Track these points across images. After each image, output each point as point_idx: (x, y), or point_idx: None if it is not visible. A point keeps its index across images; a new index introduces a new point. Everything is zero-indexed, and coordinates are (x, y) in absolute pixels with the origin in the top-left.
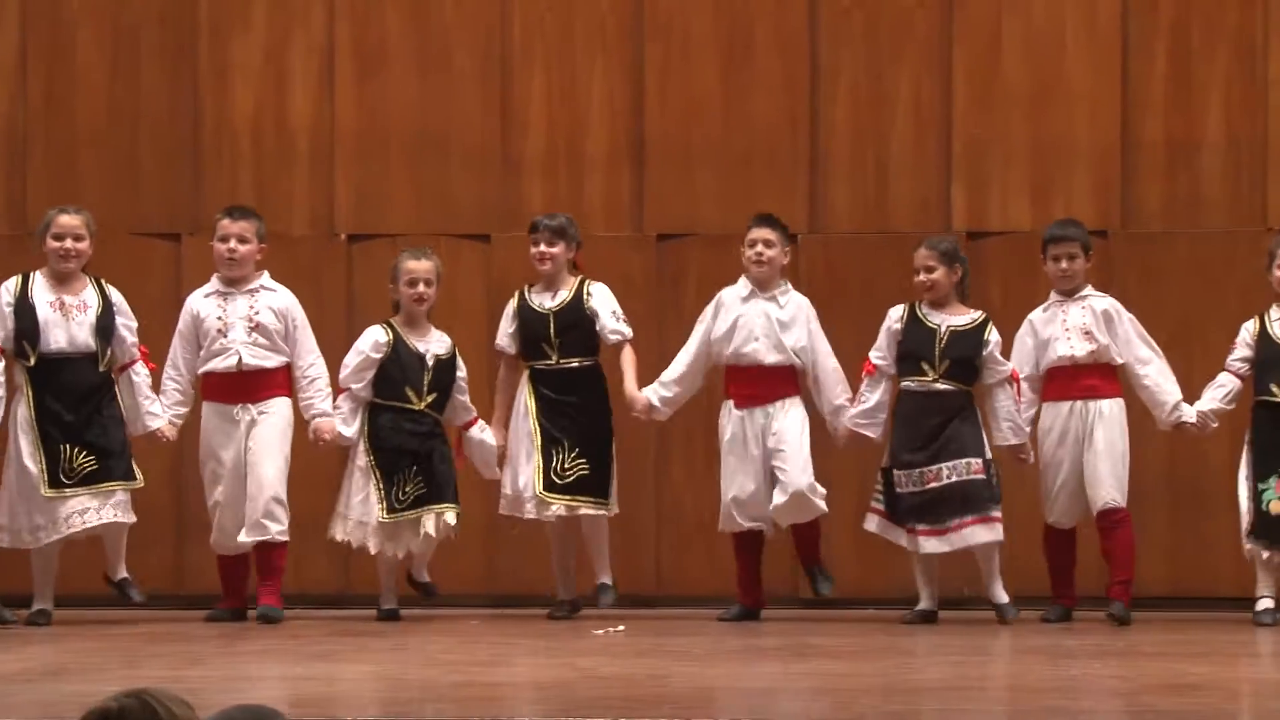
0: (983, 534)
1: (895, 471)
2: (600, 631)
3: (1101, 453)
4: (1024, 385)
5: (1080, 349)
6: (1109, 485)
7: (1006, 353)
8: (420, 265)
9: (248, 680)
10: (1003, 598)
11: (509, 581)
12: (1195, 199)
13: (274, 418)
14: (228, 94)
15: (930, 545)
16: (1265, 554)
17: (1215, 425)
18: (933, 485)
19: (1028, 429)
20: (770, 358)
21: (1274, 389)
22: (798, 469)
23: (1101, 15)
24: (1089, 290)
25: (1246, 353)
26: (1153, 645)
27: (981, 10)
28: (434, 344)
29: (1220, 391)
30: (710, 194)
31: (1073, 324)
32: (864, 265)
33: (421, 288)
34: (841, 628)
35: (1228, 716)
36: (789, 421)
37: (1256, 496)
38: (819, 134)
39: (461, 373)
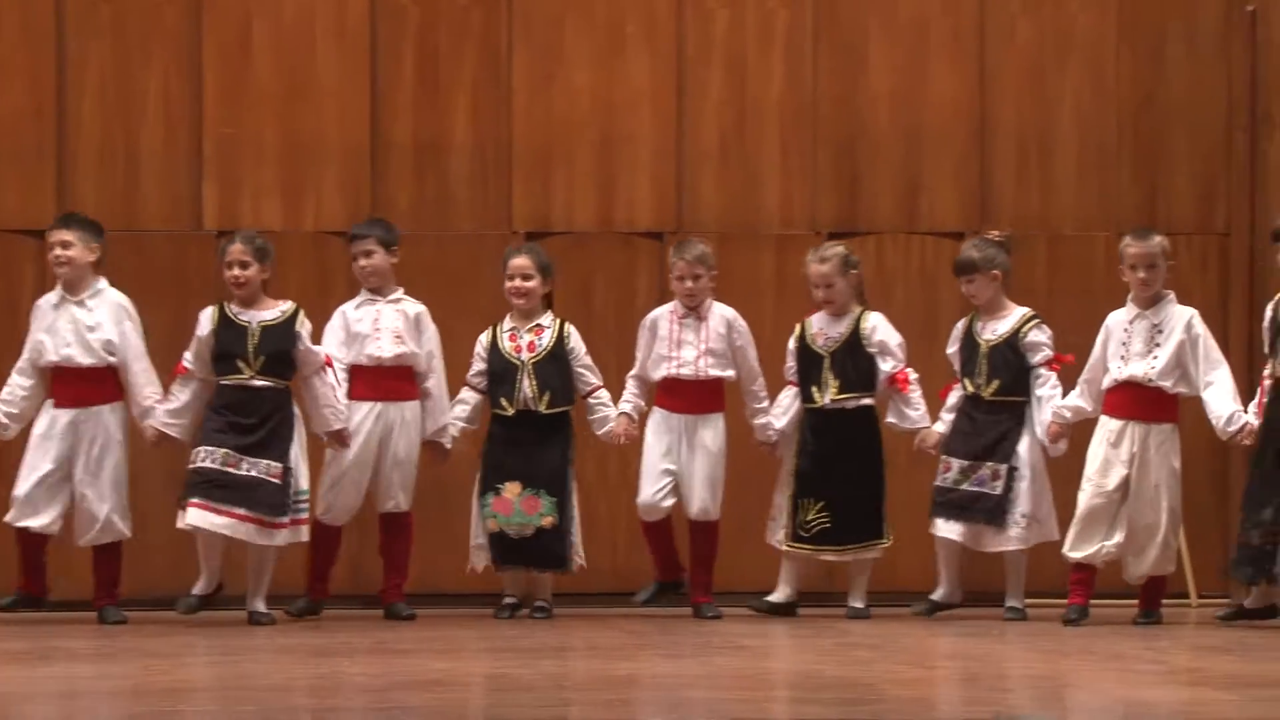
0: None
1: None
2: None
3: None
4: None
5: (389, 350)
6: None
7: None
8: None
9: None
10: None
11: None
12: (444, 201)
13: None
14: None
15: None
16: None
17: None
18: None
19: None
20: (85, 359)
21: (815, 393)
22: None
23: (351, 16)
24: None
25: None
26: (402, 642)
27: (231, 7)
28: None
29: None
30: None
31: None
32: (111, 263)
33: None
34: (94, 630)
35: (467, 710)
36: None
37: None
38: (65, 127)
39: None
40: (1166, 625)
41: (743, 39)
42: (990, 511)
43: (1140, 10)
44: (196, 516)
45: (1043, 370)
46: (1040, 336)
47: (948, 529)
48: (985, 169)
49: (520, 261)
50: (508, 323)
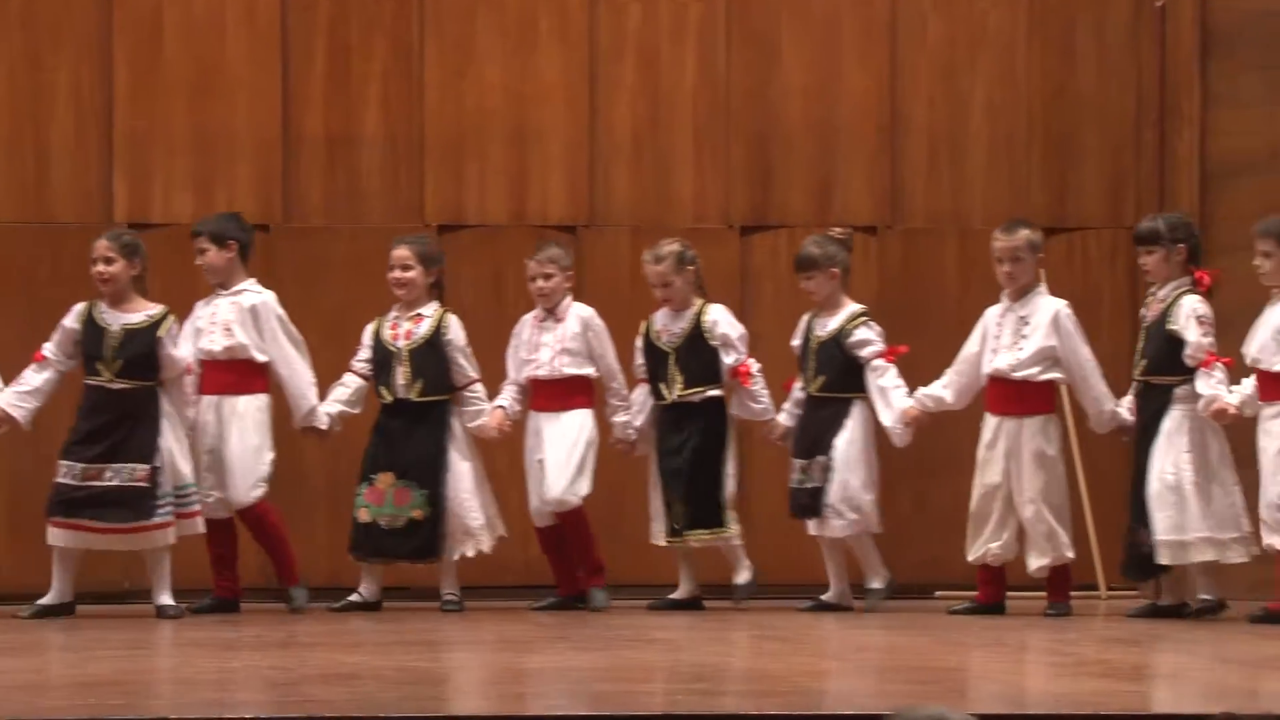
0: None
1: None
2: None
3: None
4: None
5: (219, 344)
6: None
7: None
8: None
9: None
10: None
11: None
12: (355, 193)
13: None
14: None
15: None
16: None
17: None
18: None
19: None
20: None
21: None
22: None
23: (261, 8)
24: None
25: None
26: (311, 636)
27: None
28: None
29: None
30: None
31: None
32: (22, 256)
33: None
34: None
35: (380, 704)
36: None
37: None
38: None
39: None
40: (1076, 617)
41: (655, 33)
42: (810, 503)
43: (1050, 6)
44: (55, 535)
45: (879, 362)
46: (867, 334)
47: (812, 525)
48: (897, 163)
49: (400, 252)
50: (392, 312)
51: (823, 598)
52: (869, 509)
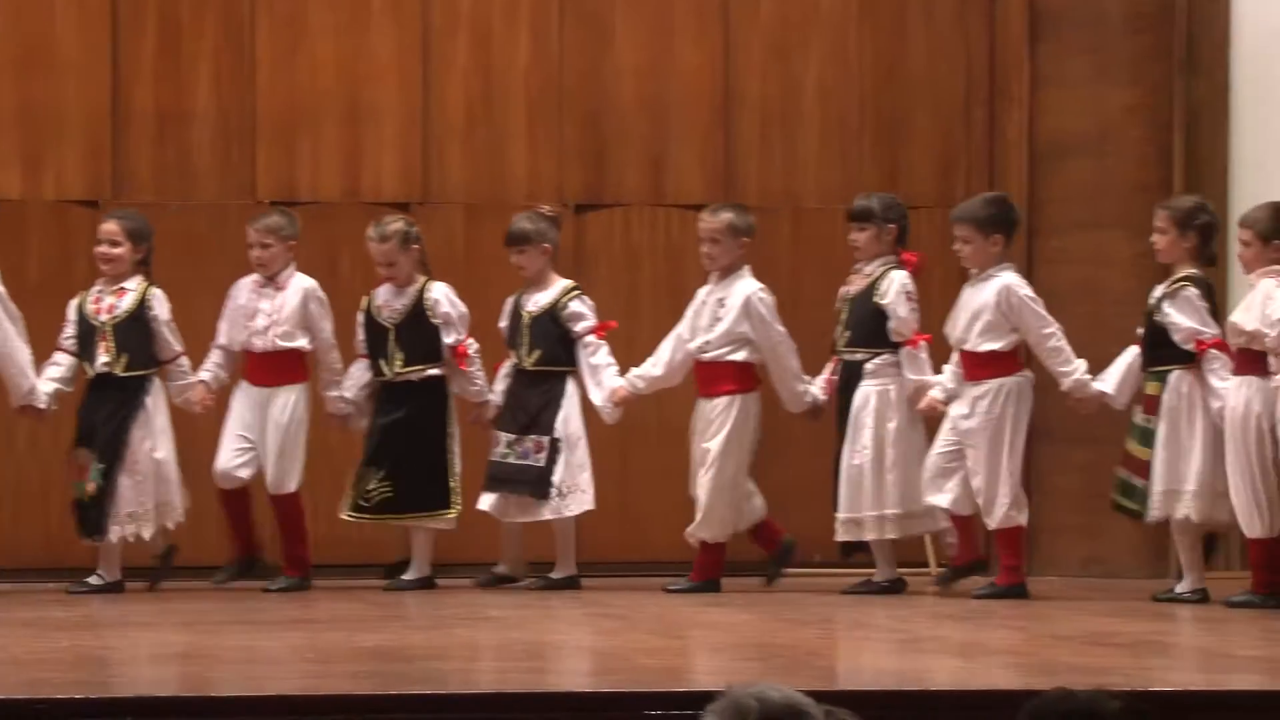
0: None
1: None
2: None
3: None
4: None
5: None
6: None
7: None
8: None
9: None
10: None
11: None
12: (186, 170)
13: None
14: None
15: None
16: None
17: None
18: None
19: None
20: None
21: None
22: None
23: None
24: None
25: None
26: (143, 615)
27: None
28: None
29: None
30: None
31: None
32: None
33: None
34: None
35: (213, 684)
36: None
37: None
38: None
39: None
40: (910, 595)
41: (488, 10)
42: (534, 483)
43: None
44: None
45: (590, 339)
46: (581, 307)
47: (485, 501)
48: (730, 142)
49: (108, 227)
50: (95, 286)
51: (497, 570)
52: (586, 488)
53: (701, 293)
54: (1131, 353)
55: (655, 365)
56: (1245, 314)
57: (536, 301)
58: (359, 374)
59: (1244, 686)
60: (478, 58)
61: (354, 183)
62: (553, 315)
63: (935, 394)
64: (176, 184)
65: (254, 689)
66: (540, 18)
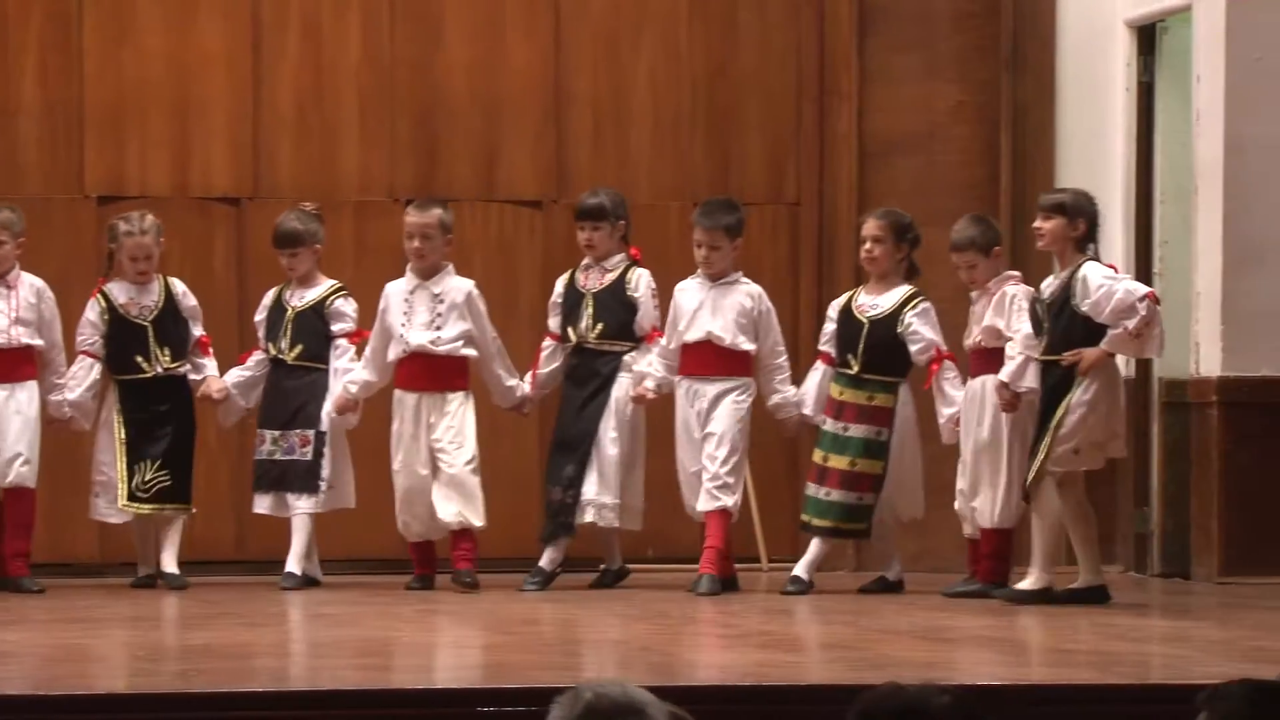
0: None
1: None
2: None
3: None
4: None
5: None
6: None
7: None
8: None
9: None
10: None
11: None
12: (11, 164)
13: None
14: None
15: None
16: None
17: None
18: None
19: None
20: None
21: None
22: None
23: None
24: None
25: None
26: None
27: None
28: None
29: None
30: None
31: None
32: None
33: None
34: None
35: (37, 683)
36: None
37: None
38: None
39: None
40: (743, 592)
41: (318, 4)
42: (303, 477)
43: None
44: None
45: (341, 341)
46: (345, 307)
47: (260, 503)
48: (562, 138)
49: None
50: None
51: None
52: (346, 486)
53: (398, 288)
54: (821, 369)
55: (365, 367)
56: (998, 319)
57: (302, 296)
58: (81, 373)
59: (1075, 680)
60: (308, 52)
61: (183, 177)
62: (318, 311)
63: (649, 383)
64: (3, 178)
65: (71, 687)
66: (371, 12)
